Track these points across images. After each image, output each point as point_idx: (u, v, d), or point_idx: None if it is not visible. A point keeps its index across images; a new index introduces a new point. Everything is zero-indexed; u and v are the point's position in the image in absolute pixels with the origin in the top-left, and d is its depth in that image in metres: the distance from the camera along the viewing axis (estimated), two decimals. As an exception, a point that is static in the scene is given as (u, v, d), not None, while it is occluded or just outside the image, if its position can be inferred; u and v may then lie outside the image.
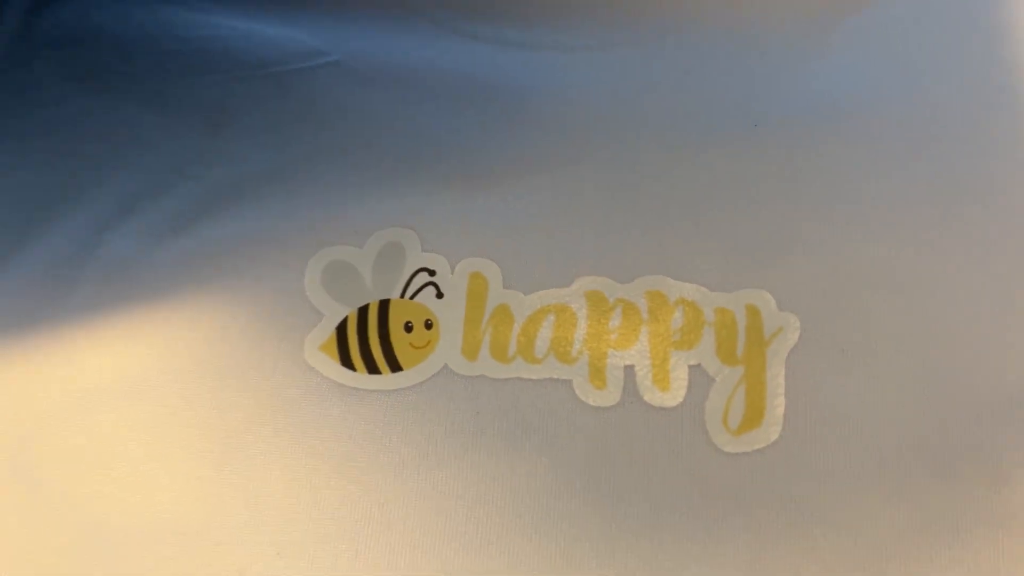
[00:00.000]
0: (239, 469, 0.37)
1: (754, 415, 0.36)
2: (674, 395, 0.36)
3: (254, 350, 0.39)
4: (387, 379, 0.38)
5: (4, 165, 0.44)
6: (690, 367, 0.37)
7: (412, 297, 0.39)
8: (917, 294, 0.36)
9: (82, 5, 0.47)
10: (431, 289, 0.39)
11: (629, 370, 0.37)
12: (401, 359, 0.38)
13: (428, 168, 0.41)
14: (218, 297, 0.40)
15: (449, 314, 0.39)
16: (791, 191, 0.39)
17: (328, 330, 0.39)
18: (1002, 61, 0.40)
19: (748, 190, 0.39)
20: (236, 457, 0.37)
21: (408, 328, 0.38)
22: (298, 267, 0.40)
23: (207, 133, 0.44)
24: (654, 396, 0.36)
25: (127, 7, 0.47)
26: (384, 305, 0.39)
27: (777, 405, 0.36)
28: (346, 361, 0.38)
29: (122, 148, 0.44)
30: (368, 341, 0.38)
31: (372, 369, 0.38)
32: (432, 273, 0.39)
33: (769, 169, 0.39)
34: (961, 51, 0.40)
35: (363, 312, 0.39)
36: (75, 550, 0.36)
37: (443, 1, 0.44)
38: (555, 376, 0.37)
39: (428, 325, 0.38)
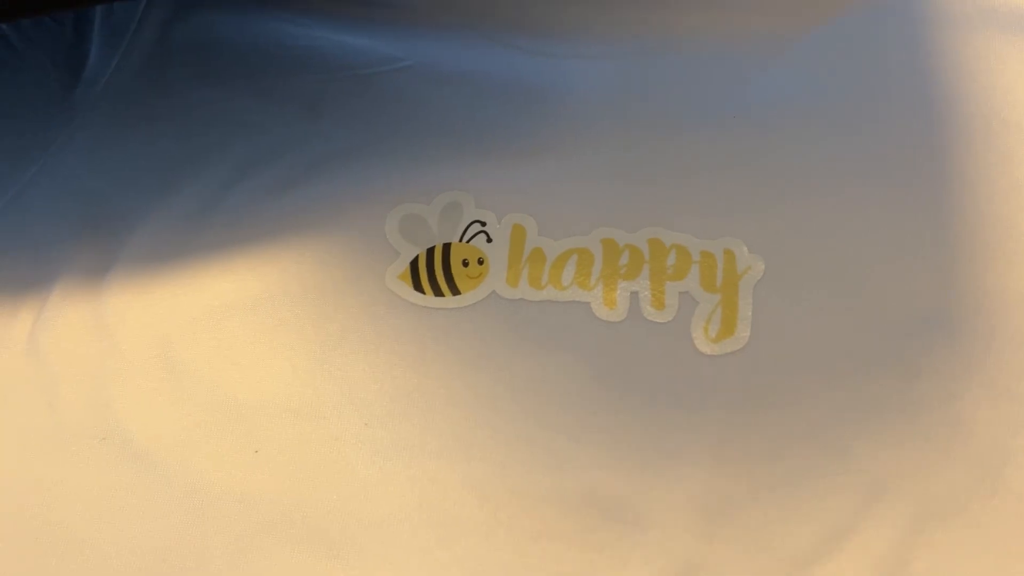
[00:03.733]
0: (335, 363, 0.48)
1: (728, 328, 0.47)
2: (667, 313, 0.47)
3: (347, 278, 0.50)
4: (449, 300, 0.49)
5: (146, 140, 0.56)
6: (680, 294, 0.48)
7: (468, 241, 0.51)
8: (851, 241, 0.48)
9: (208, 19, 0.60)
10: (483, 236, 0.51)
11: (634, 295, 0.48)
12: (460, 286, 0.49)
13: (482, 147, 0.53)
14: (319, 239, 0.51)
15: (497, 254, 0.50)
16: (759, 165, 0.50)
17: (404, 264, 0.50)
18: (916, 72, 0.52)
19: (727, 164, 0.51)
20: (332, 355, 0.48)
21: (465, 264, 0.50)
22: (380, 218, 0.51)
23: (307, 118, 0.56)
24: (652, 314, 0.48)
25: (244, 21, 0.59)
26: (447, 247, 0.51)
27: (746, 322, 0.47)
28: (417, 286, 0.50)
29: (240, 129, 0.56)
30: (434, 272, 0.50)
31: (437, 293, 0.49)
32: (483, 224, 0.51)
33: (743, 148, 0.51)
34: (886, 61, 0.52)
35: (430, 252, 0.50)
36: (211, 421, 0.47)
37: (493, 20, 0.57)
38: (577, 299, 0.48)
39: (480, 262, 0.50)
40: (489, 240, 0.50)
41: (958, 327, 0.45)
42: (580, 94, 0.54)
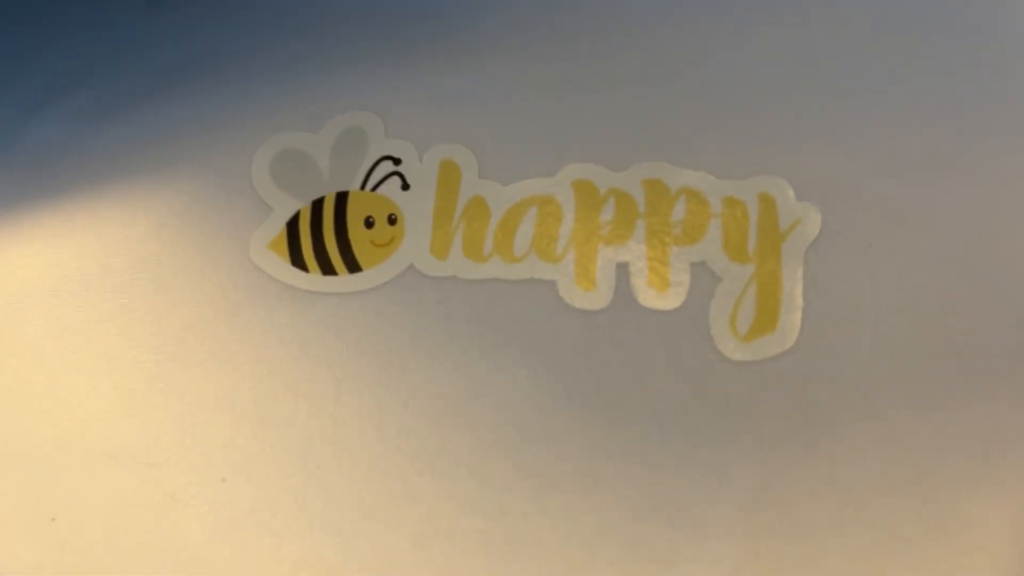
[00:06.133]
0: (174, 382, 0.32)
1: (767, 319, 0.30)
2: (674, 296, 0.31)
3: (193, 249, 0.34)
4: (344, 280, 0.33)
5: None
6: (692, 265, 0.32)
7: (374, 189, 0.34)
8: (952, 179, 0.31)
9: None
10: (396, 180, 0.34)
11: (622, 268, 0.32)
12: (360, 258, 0.33)
13: (393, 42, 0.36)
14: (155, 190, 0.35)
15: (416, 208, 0.33)
16: (810, 64, 0.33)
17: (277, 226, 0.34)
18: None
19: (761, 62, 0.34)
20: (171, 368, 0.32)
21: (369, 223, 0.33)
22: (245, 155, 0.35)
23: (149, 12, 0.39)
24: (650, 297, 0.31)
25: None
26: (342, 198, 0.34)
27: (794, 307, 0.30)
28: (297, 261, 0.33)
29: (55, 31, 0.39)
30: (323, 238, 0.34)
31: (327, 269, 0.33)
32: (397, 161, 0.34)
33: (783, 39, 0.34)
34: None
35: (318, 206, 0.34)
36: (-11, 471, 0.32)
37: None
38: (537, 276, 0.32)
39: (392, 220, 0.33)
40: (405, 187, 0.34)
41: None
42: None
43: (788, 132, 0.33)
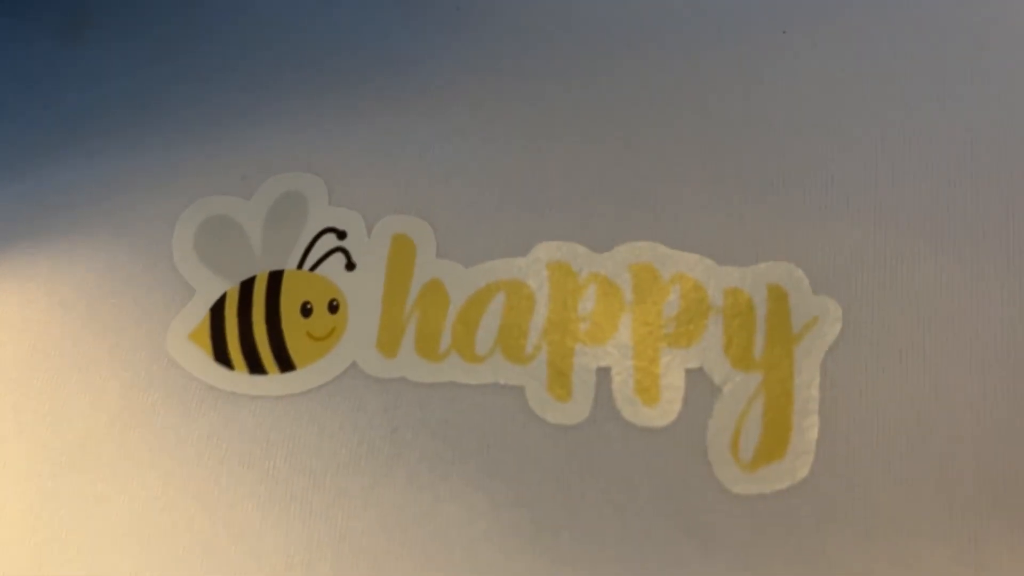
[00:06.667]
0: (72, 501, 0.28)
1: (776, 442, 0.26)
2: (665, 410, 0.27)
3: (101, 337, 0.30)
4: (274, 380, 0.29)
5: None
6: (688, 371, 0.27)
7: (313, 268, 0.29)
8: (1003, 266, 0.26)
9: None
10: (339, 257, 0.30)
11: (603, 374, 0.27)
12: (294, 354, 0.29)
13: (338, 93, 0.32)
14: (59, 262, 0.31)
15: (362, 292, 0.30)
16: (828, 123, 0.28)
17: (200, 312, 0.30)
18: None
19: (772, 121, 0.28)
20: (69, 483, 0.29)
21: (306, 311, 0.29)
22: (166, 222, 0.32)
23: (63, 43, 0.34)
24: (637, 411, 0.27)
25: None
26: (275, 278, 0.30)
27: (808, 427, 0.26)
28: (221, 355, 0.29)
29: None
30: (252, 328, 0.29)
31: (255, 367, 0.29)
32: (341, 235, 0.30)
33: (800, 90, 0.29)
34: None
35: (247, 288, 0.30)
36: None
37: None
38: (502, 381, 0.28)
39: (333, 307, 0.29)
40: (350, 266, 0.29)
41: None
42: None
43: (803, 208, 0.28)
